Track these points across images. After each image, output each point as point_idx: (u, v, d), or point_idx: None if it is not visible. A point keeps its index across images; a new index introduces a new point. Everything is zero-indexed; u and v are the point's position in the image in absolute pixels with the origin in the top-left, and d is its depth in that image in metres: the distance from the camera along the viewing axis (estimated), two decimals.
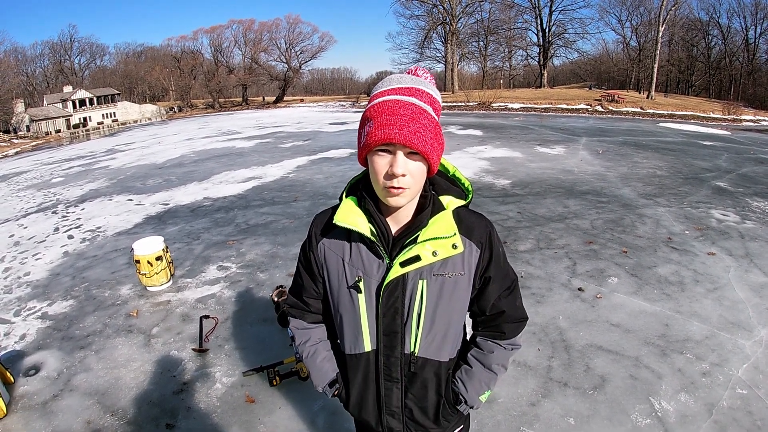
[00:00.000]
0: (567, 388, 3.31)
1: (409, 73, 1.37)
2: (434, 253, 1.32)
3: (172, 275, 5.35)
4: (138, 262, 5.03)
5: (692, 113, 31.37)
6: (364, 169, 1.38)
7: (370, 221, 1.36)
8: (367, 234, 1.34)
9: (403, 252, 1.33)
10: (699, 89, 59.60)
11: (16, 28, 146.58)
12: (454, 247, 1.33)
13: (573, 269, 5.23)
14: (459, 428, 1.66)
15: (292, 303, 1.65)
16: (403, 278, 1.35)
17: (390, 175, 1.22)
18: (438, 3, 53.88)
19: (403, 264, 1.33)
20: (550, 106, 35.00)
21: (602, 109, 32.31)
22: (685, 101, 41.68)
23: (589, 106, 33.71)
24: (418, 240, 1.32)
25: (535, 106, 35.34)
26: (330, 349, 1.63)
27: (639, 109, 32.27)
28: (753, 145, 15.92)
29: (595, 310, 4.35)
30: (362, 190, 1.39)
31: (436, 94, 1.34)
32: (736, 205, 7.66)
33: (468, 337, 1.62)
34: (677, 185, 9.06)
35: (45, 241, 7.56)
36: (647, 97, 40.55)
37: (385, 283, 1.35)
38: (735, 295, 4.61)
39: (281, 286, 4.53)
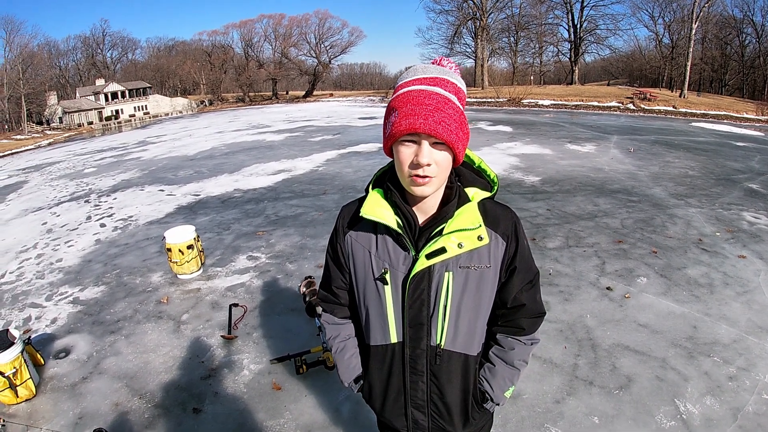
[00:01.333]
0: (592, 387, 3.28)
1: (434, 63, 1.36)
2: (460, 245, 1.32)
3: (202, 264, 5.45)
4: (169, 250, 5.13)
5: (725, 113, 30.60)
6: (390, 161, 1.38)
7: (396, 213, 1.36)
8: (394, 226, 1.35)
9: (429, 244, 1.33)
10: (732, 89, 58.04)
11: (50, 22, 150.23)
12: (480, 239, 1.33)
13: (602, 268, 5.17)
14: (483, 426, 1.66)
15: (322, 296, 1.67)
16: (429, 270, 1.35)
17: (415, 165, 1.22)
18: None
19: (429, 256, 1.33)
20: (581, 103, 34.47)
21: (634, 108, 31.74)
22: (718, 101, 40.68)
23: (620, 104, 33.12)
24: (444, 232, 1.32)
25: (566, 103, 34.84)
26: (357, 346, 1.64)
27: (671, 108, 31.61)
28: None
29: (623, 309, 4.30)
30: (388, 182, 1.39)
31: (461, 84, 1.33)
32: None
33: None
34: (709, 186, 8.87)
35: (77, 229, 7.75)
36: (680, 96, 39.69)
37: (411, 275, 1.35)
38: (765, 299, 4.50)
39: (310, 277, 4.58)
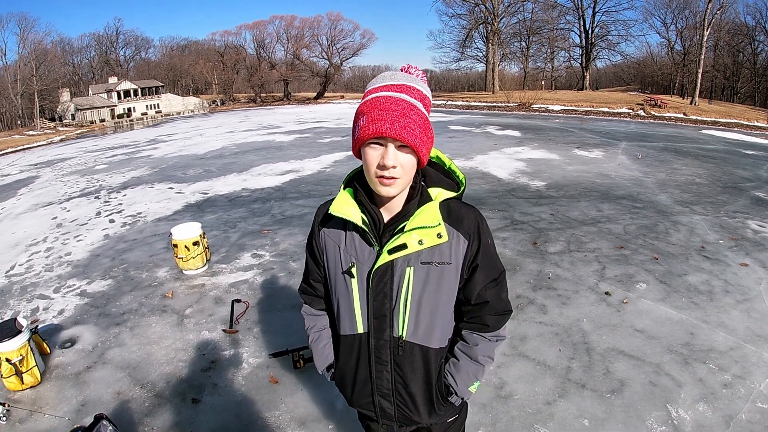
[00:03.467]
0: (584, 390, 3.32)
1: (402, 71, 1.45)
2: (420, 242, 1.40)
3: (207, 260, 5.54)
4: (176, 246, 5.23)
5: (736, 121, 30.40)
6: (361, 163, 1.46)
7: (363, 211, 1.45)
8: (359, 223, 1.43)
9: (391, 240, 1.41)
10: (744, 96, 57.59)
11: (64, 19, 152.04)
12: (439, 236, 1.40)
13: (602, 273, 5.20)
14: (453, 418, 1.74)
15: (302, 289, 1.77)
16: (391, 265, 1.44)
17: (382, 166, 1.30)
18: (480, 2, 53.58)
19: (391, 251, 1.41)
20: (591, 109, 34.38)
21: (644, 114, 31.63)
22: (729, 108, 40.39)
23: (631, 111, 33.01)
24: (405, 229, 1.40)
25: (576, 108, 34.78)
26: (331, 337, 1.74)
27: (682, 115, 31.46)
28: None
29: (621, 314, 4.33)
30: (356, 182, 1.49)
31: (427, 91, 1.42)
32: None
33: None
34: (715, 194, 8.86)
35: (87, 224, 7.88)
36: (691, 103, 39.48)
37: (374, 269, 1.44)
38: (765, 307, 4.51)
39: None
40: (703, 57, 42.17)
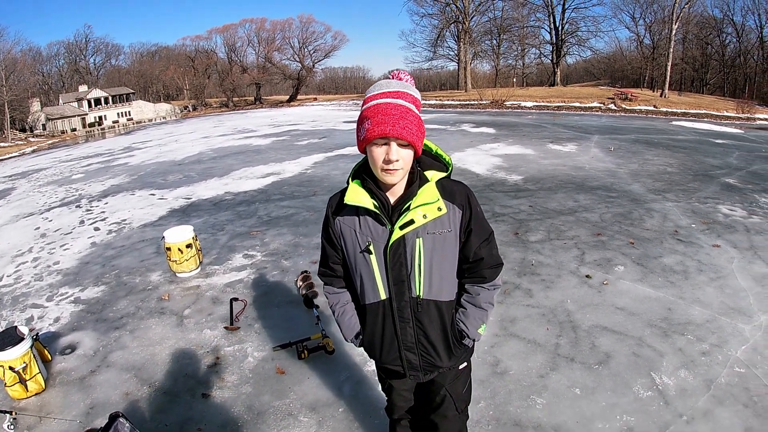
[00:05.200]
0: (573, 363, 3.54)
1: (393, 76, 1.80)
2: (424, 216, 1.72)
3: (200, 262, 5.63)
4: (169, 249, 5.31)
5: (706, 111, 31.28)
6: (363, 157, 1.78)
7: (372, 197, 1.75)
8: (372, 207, 1.74)
9: (401, 218, 1.72)
10: (713, 88, 59.06)
11: (33, 28, 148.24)
12: (439, 209, 1.73)
13: (581, 258, 5.44)
14: (464, 364, 2.07)
15: (322, 272, 2.06)
16: (403, 238, 1.75)
17: (387, 161, 1.63)
18: (451, 1, 54.02)
19: (402, 227, 1.72)
20: (563, 104, 35.03)
21: (615, 108, 32.32)
22: (699, 100, 41.44)
23: (602, 105, 33.73)
24: (411, 207, 1.72)
25: (548, 104, 35.38)
26: (354, 309, 2.03)
27: (652, 108, 32.22)
28: (765, 143, 15.95)
29: (602, 295, 4.58)
30: (363, 174, 1.78)
31: (417, 94, 1.74)
32: (743, 201, 7.79)
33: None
34: (686, 182, 9.20)
35: (71, 233, 7.87)
36: (661, 96, 40.42)
37: (390, 244, 1.75)
38: (737, 284, 4.79)
39: (306, 272, 4.80)
40: (672, 50, 43.23)
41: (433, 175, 1.79)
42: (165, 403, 3.37)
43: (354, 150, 14.56)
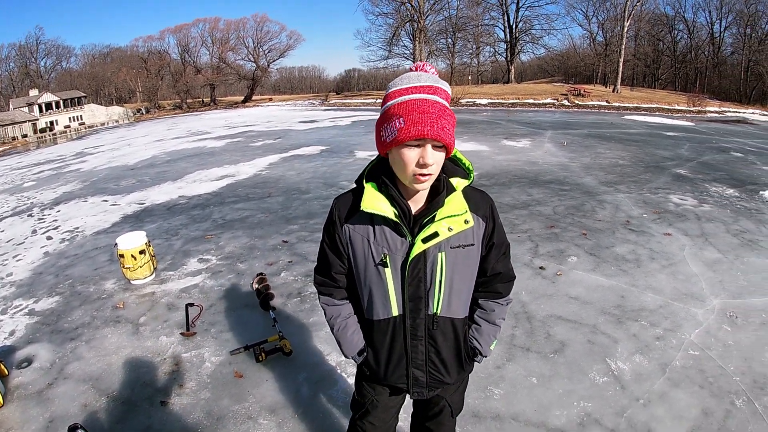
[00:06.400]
0: (529, 353, 3.63)
1: (416, 69, 1.55)
2: (450, 229, 1.55)
3: (155, 269, 5.53)
4: (122, 256, 5.19)
5: (657, 105, 32.29)
6: (377, 157, 1.63)
7: (393, 205, 1.56)
8: (392, 217, 1.56)
9: (424, 230, 1.55)
10: (665, 82, 61.15)
11: None
12: (466, 222, 1.57)
13: (535, 250, 5.57)
14: (465, 377, 1.99)
15: (320, 281, 1.86)
16: (425, 252, 1.58)
17: (422, 165, 1.43)
18: (406, 0, 54.17)
19: (424, 240, 1.55)
20: (518, 101, 35.66)
21: (568, 103, 33.08)
22: (650, 94, 42.76)
23: (555, 101, 34.47)
24: (436, 218, 1.55)
25: (503, 101, 35.95)
26: (358, 323, 1.84)
27: (605, 103, 33.11)
28: (715, 134, 16.61)
29: (555, 285, 4.70)
30: (383, 177, 1.58)
31: (449, 89, 1.54)
32: (694, 190, 8.10)
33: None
34: (638, 173, 9.50)
35: (24, 243, 7.62)
36: (613, 91, 41.53)
37: (410, 258, 1.58)
38: (689, 270, 4.99)
39: (261, 274, 4.78)
40: (624, 47, 44.49)
41: (459, 183, 1.62)
42: (124, 413, 3.30)
43: (310, 150, 14.57)
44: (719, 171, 9.91)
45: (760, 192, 7.95)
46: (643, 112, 28.23)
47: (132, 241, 5.26)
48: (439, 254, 1.59)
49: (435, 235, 1.55)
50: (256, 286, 4.62)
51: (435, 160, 1.44)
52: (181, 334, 4.23)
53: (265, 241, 6.44)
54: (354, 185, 1.71)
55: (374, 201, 1.56)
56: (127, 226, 7.86)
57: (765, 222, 6.46)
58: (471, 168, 1.67)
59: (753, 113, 32.72)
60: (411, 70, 1.56)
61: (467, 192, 1.64)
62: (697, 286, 4.64)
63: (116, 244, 5.29)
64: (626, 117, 23.80)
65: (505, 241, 1.77)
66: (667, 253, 5.40)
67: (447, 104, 1.48)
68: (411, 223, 1.58)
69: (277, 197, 8.85)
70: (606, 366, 3.46)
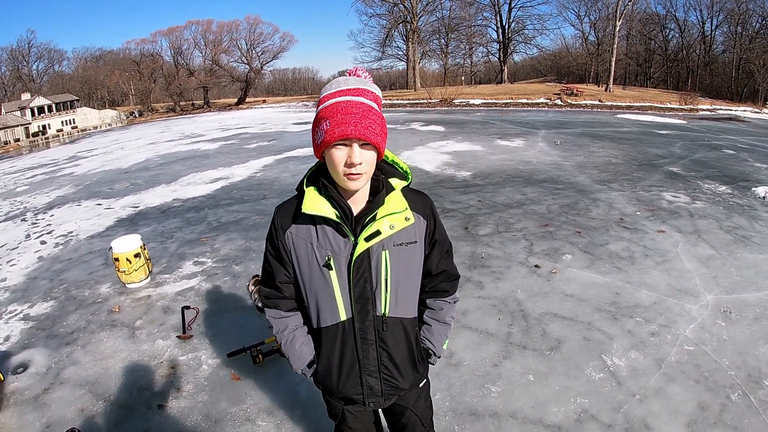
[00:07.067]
0: (526, 351, 3.65)
1: (350, 74, 1.60)
2: (391, 227, 1.58)
3: (150, 272, 5.51)
4: (117, 260, 5.18)
5: (650, 104, 32.47)
6: (316, 162, 1.65)
7: (333, 206, 1.58)
8: (333, 217, 1.57)
9: (366, 229, 1.57)
10: (657, 81, 61.47)
11: None
12: (407, 219, 1.61)
13: (530, 249, 5.60)
14: (422, 383, 1.95)
15: (266, 294, 1.82)
16: (368, 251, 1.59)
17: (349, 164, 1.46)
18: (399, 1, 54.27)
19: (367, 239, 1.57)
20: (511, 101, 35.71)
21: (561, 103, 33.18)
22: (643, 93, 42.95)
23: (548, 100, 34.55)
24: (377, 217, 1.58)
25: (496, 101, 35.98)
26: (307, 334, 1.82)
27: (597, 102, 33.22)
28: (707, 132, 16.71)
29: (551, 283, 4.72)
30: (323, 180, 1.59)
31: (378, 92, 1.58)
32: (687, 188, 8.16)
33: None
34: (631, 171, 9.55)
35: (18, 247, 7.58)
36: (605, 90, 41.70)
37: (354, 258, 1.59)
38: (683, 266, 5.03)
39: (257, 276, 4.77)
40: (616, 46, 44.68)
41: (397, 183, 1.66)
42: (121, 417, 3.30)
43: (304, 151, 14.54)
44: (711, 168, 9.98)
45: (752, 188, 8.00)
46: (635, 111, 28.37)
47: (127, 245, 5.24)
48: (383, 252, 1.61)
49: (377, 233, 1.58)
50: (252, 288, 4.62)
51: (363, 159, 1.47)
52: (177, 337, 4.22)
53: (260, 243, 6.43)
54: (296, 192, 1.72)
55: (315, 203, 1.58)
56: (122, 229, 7.83)
57: (757, 218, 6.51)
58: (409, 171, 1.72)
59: (744, 111, 33.00)
60: (346, 75, 1.61)
61: (407, 192, 1.67)
62: (691, 282, 4.68)
63: (111, 247, 5.28)
64: (619, 116, 23.92)
65: (447, 240, 1.82)
66: (660, 250, 5.44)
67: (375, 105, 1.52)
68: (353, 224, 1.60)
69: (272, 199, 8.84)
70: (602, 362, 3.48)
